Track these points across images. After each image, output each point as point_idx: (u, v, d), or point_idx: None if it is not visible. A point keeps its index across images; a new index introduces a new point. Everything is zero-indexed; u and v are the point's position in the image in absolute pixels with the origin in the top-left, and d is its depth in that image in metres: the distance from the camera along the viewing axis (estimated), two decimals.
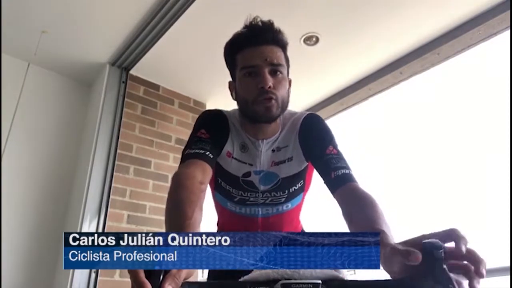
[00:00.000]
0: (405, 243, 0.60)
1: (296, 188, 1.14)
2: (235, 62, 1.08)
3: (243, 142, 1.12)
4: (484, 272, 0.54)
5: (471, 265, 0.55)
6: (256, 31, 1.04)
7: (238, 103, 1.10)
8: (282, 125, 1.13)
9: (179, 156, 3.21)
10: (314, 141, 1.06)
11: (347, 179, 0.94)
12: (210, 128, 1.07)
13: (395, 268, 0.59)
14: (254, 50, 1.03)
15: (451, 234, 0.56)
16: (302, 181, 1.15)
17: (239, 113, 1.12)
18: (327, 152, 1.00)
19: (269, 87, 0.99)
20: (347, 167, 0.97)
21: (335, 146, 1.03)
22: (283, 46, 1.07)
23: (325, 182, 1.00)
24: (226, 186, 1.14)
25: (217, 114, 1.15)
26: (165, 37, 2.45)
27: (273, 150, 1.11)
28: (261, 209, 1.16)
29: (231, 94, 1.13)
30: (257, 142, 1.10)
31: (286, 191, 1.14)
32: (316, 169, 1.07)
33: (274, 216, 1.17)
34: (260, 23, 1.05)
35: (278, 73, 1.03)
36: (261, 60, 1.01)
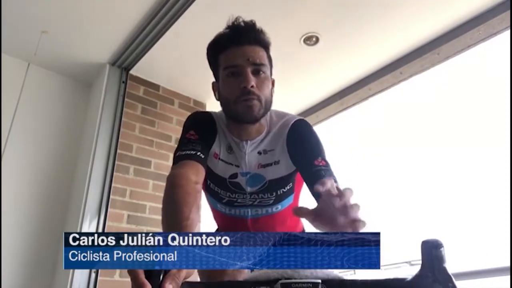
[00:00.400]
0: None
1: (284, 190, 1.14)
2: (217, 62, 1.08)
3: (228, 143, 1.12)
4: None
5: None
6: (238, 31, 1.05)
7: (221, 104, 1.10)
8: (269, 127, 1.12)
9: None
10: (302, 150, 1.06)
11: None
12: (199, 129, 1.07)
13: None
14: (237, 50, 1.03)
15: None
16: (291, 183, 1.15)
17: (224, 114, 1.13)
18: (316, 164, 0.99)
19: (252, 86, 1.00)
20: (335, 181, 0.95)
21: (323, 157, 1.02)
22: (265, 46, 1.08)
23: (312, 194, 0.99)
24: (215, 188, 1.15)
25: (205, 116, 1.16)
26: (165, 37, 2.45)
27: (259, 153, 1.11)
28: (250, 210, 1.16)
29: (214, 95, 1.13)
30: (241, 143, 1.10)
31: (274, 193, 1.13)
32: (303, 178, 1.06)
33: (264, 217, 1.17)
34: (242, 23, 1.06)
35: (261, 72, 1.03)
36: (243, 60, 1.02)
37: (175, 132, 2.92)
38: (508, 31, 2.24)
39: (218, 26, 2.45)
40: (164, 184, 2.95)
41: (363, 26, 2.40)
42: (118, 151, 2.58)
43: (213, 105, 3.38)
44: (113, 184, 2.48)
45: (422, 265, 0.54)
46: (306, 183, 1.04)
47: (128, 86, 2.79)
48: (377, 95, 2.97)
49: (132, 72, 2.83)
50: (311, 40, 2.50)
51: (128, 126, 2.70)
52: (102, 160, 2.50)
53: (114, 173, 2.51)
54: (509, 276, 1.87)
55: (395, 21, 2.37)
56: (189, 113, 3.28)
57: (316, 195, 0.95)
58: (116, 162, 2.54)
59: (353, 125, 3.53)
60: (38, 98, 2.70)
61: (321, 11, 2.29)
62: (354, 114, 3.26)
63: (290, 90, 2.89)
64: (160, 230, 2.46)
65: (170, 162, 2.77)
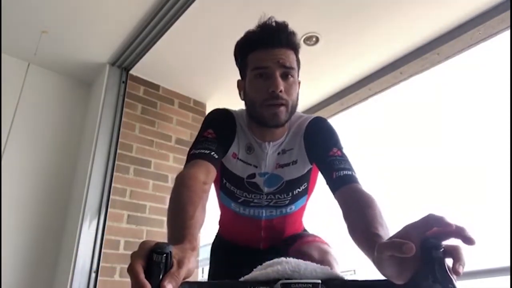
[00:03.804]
0: (391, 239, 0.58)
1: (300, 190, 1.14)
2: (246, 62, 1.06)
3: (249, 143, 1.11)
4: (470, 235, 0.52)
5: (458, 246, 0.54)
6: (270, 32, 1.03)
7: (245, 104, 1.09)
8: (289, 127, 1.12)
9: (179, 156, 3.19)
10: (318, 143, 1.06)
11: (348, 180, 0.93)
12: (217, 128, 1.06)
13: (391, 270, 0.57)
14: (266, 52, 1.01)
15: (430, 220, 0.55)
16: (306, 183, 1.15)
17: (246, 114, 1.12)
18: (331, 154, 1.00)
19: (280, 91, 0.98)
20: (349, 169, 0.96)
21: (339, 148, 1.02)
22: (296, 48, 1.06)
23: (327, 183, 0.99)
24: (231, 187, 1.14)
25: (225, 114, 1.14)
26: (165, 37, 2.45)
27: (278, 153, 1.10)
28: (265, 211, 1.16)
29: (239, 94, 1.12)
30: (264, 144, 1.10)
31: (290, 193, 1.13)
32: (320, 170, 1.06)
33: (277, 218, 1.17)
34: (274, 24, 1.04)
35: (290, 76, 1.02)
36: (273, 63, 1.00)
37: (175, 132, 2.92)
38: (508, 31, 2.24)
39: (218, 26, 2.45)
40: (164, 184, 2.95)
41: (363, 26, 2.40)
42: (118, 151, 2.58)
43: (213, 105, 3.38)
44: (113, 184, 2.48)
45: (422, 265, 0.54)
46: (322, 173, 1.04)
47: (128, 86, 2.79)
48: (377, 95, 2.97)
49: (132, 72, 2.83)
50: (311, 40, 2.50)
51: (128, 126, 2.69)
52: (102, 160, 2.50)
53: (114, 173, 2.51)
54: (509, 276, 1.87)
55: (395, 21, 2.36)
56: (189, 113, 3.32)
57: (332, 184, 0.96)
58: (116, 162, 2.54)
59: (353, 125, 3.53)
60: (38, 98, 2.70)
61: (321, 11, 2.29)
62: (354, 114, 3.27)
63: None
64: (159, 229, 2.47)
65: (170, 162, 2.78)
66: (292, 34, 1.04)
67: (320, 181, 1.15)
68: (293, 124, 1.12)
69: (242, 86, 1.10)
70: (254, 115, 1.05)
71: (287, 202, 1.15)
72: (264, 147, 1.09)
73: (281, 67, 1.00)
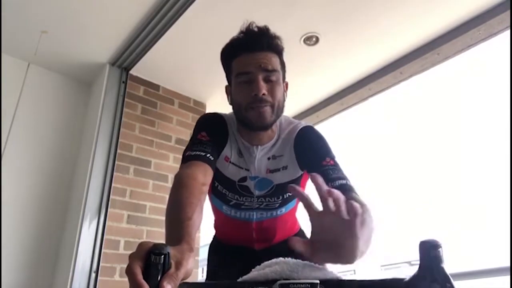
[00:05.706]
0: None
1: (290, 194, 1.15)
2: (230, 68, 1.09)
3: (239, 147, 1.13)
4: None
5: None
6: (251, 37, 1.04)
7: (233, 108, 1.11)
8: (279, 132, 1.13)
9: (179, 156, 3.18)
10: (310, 153, 1.07)
11: (343, 189, 0.92)
12: (210, 132, 1.07)
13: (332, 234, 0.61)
14: (249, 57, 1.03)
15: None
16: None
17: (235, 118, 1.13)
18: (324, 164, 1.00)
19: (263, 94, 1.00)
20: (344, 178, 0.96)
21: (332, 157, 1.03)
22: (278, 51, 1.07)
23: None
24: (223, 190, 1.15)
25: (217, 118, 1.15)
26: (165, 37, 2.45)
27: (268, 158, 1.12)
28: (256, 213, 1.17)
29: (228, 99, 1.13)
30: (252, 148, 1.11)
31: (281, 197, 1.14)
32: (312, 181, 1.07)
33: (268, 220, 1.19)
34: (255, 29, 1.05)
35: (273, 78, 1.03)
36: (255, 67, 1.02)
37: (175, 132, 2.92)
38: (508, 31, 2.24)
39: (218, 26, 2.46)
40: (164, 184, 2.95)
41: (363, 26, 2.40)
42: (118, 151, 2.58)
43: (213, 105, 3.37)
44: (113, 184, 2.48)
45: (420, 265, 0.54)
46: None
47: (128, 86, 2.79)
48: (377, 95, 2.97)
49: (132, 72, 2.83)
50: (311, 40, 2.50)
51: (128, 126, 2.69)
52: (102, 160, 2.50)
53: (114, 173, 2.51)
54: (509, 276, 1.87)
55: (395, 21, 2.36)
56: (189, 113, 3.32)
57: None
58: (116, 162, 2.54)
59: (353, 125, 3.53)
60: (38, 98, 2.70)
61: (321, 11, 2.29)
62: (354, 114, 3.27)
63: (290, 90, 2.85)
64: (159, 230, 2.47)
65: (170, 162, 2.78)
66: (274, 37, 1.06)
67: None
68: (283, 131, 1.13)
69: (229, 91, 1.12)
70: (241, 118, 1.07)
71: (277, 205, 1.16)
72: (252, 151, 1.11)
73: (264, 70, 1.02)
